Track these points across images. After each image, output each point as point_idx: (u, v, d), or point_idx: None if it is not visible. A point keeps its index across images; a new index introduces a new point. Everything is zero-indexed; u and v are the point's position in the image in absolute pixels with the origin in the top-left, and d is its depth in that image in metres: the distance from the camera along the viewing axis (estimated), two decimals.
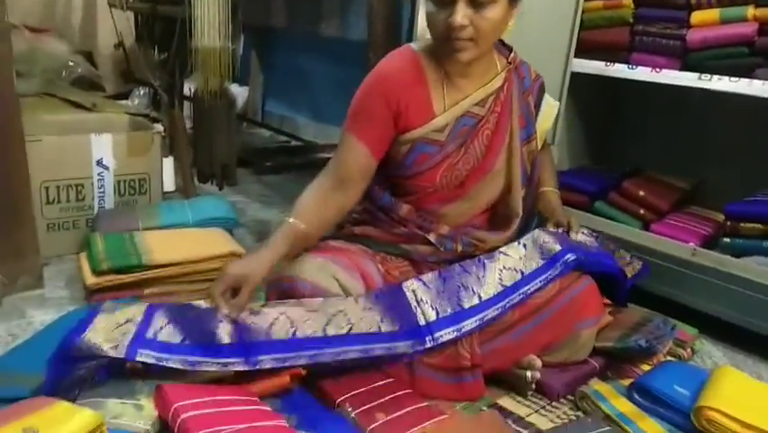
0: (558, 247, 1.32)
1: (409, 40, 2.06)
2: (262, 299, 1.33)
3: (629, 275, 1.48)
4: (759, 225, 1.57)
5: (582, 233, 1.46)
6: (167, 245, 1.58)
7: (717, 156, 1.96)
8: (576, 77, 1.85)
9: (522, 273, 1.30)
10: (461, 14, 1.20)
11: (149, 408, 1.02)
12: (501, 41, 1.41)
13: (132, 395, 1.05)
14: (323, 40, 2.88)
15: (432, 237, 1.38)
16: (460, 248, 1.38)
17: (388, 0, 2.22)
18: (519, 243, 1.36)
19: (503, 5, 1.24)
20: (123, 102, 2.83)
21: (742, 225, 1.60)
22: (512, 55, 1.41)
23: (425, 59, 1.35)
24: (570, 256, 1.31)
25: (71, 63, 2.71)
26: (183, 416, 0.95)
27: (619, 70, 1.75)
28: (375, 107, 1.31)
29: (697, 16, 1.64)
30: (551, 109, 1.51)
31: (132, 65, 3.24)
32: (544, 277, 1.29)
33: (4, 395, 1.05)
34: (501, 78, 1.38)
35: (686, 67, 1.67)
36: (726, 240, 1.63)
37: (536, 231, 1.38)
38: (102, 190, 1.83)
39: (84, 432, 0.84)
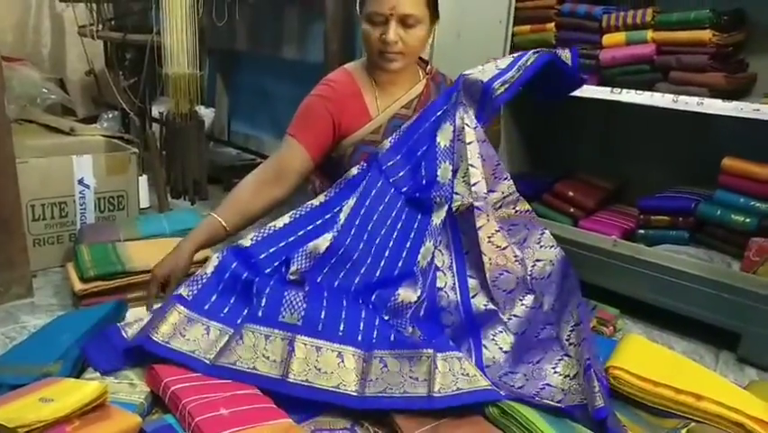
0: (480, 83, 1.48)
1: None
2: None
3: (567, 62, 1.61)
4: (666, 217, 1.83)
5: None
6: (147, 253, 1.74)
7: (638, 158, 2.20)
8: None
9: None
10: (393, 32, 1.46)
11: (141, 385, 1.19)
12: (421, 58, 1.66)
13: (125, 376, 1.22)
14: (283, 62, 3.06)
15: None
16: None
17: (341, 26, 2.43)
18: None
19: (426, 25, 1.51)
20: (93, 126, 2.97)
21: (653, 217, 1.85)
22: (429, 67, 1.67)
23: (357, 74, 1.60)
24: (497, 85, 1.45)
25: (45, 90, 2.85)
26: (173, 388, 1.12)
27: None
28: (317, 114, 1.54)
29: (607, 38, 1.89)
30: None
31: (102, 90, 3.40)
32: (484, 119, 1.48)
33: (13, 382, 1.20)
34: (422, 84, 1.63)
35: (601, 81, 1.92)
36: (641, 231, 1.88)
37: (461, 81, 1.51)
38: (83, 207, 1.99)
39: (91, 398, 1.01)
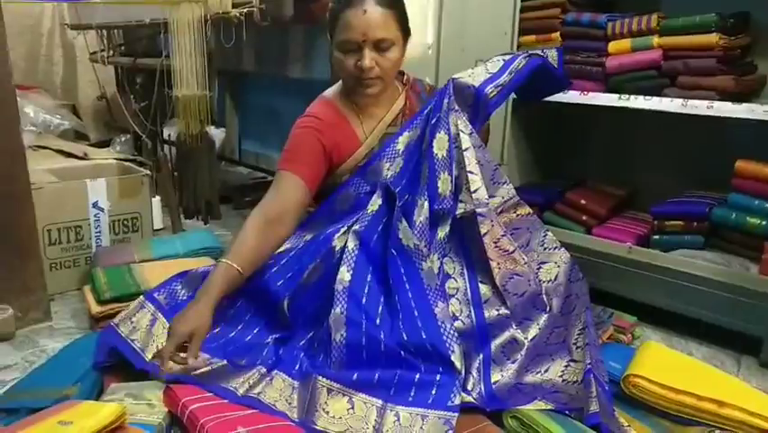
0: (473, 88, 1.47)
1: None
2: None
3: (554, 62, 1.61)
4: (680, 222, 1.81)
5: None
6: (162, 274, 1.74)
7: (648, 164, 2.20)
8: (519, 103, 2.09)
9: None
10: (369, 58, 1.44)
11: (159, 405, 1.19)
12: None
13: (143, 397, 1.22)
14: (290, 81, 3.08)
15: None
16: None
17: None
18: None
19: (400, 45, 1.49)
20: (105, 149, 3.01)
21: (667, 223, 1.84)
22: (405, 77, 1.65)
23: (338, 101, 1.58)
24: (489, 89, 1.45)
25: (58, 116, 2.90)
26: (191, 407, 1.12)
27: (554, 95, 1.98)
28: (309, 145, 1.51)
29: (613, 46, 1.89)
30: None
31: (113, 114, 3.44)
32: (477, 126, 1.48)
33: (32, 406, 1.21)
34: (402, 97, 1.62)
35: (608, 89, 1.91)
36: (656, 237, 1.86)
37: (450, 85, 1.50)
38: (98, 230, 2.01)
39: (110, 420, 1.01)
